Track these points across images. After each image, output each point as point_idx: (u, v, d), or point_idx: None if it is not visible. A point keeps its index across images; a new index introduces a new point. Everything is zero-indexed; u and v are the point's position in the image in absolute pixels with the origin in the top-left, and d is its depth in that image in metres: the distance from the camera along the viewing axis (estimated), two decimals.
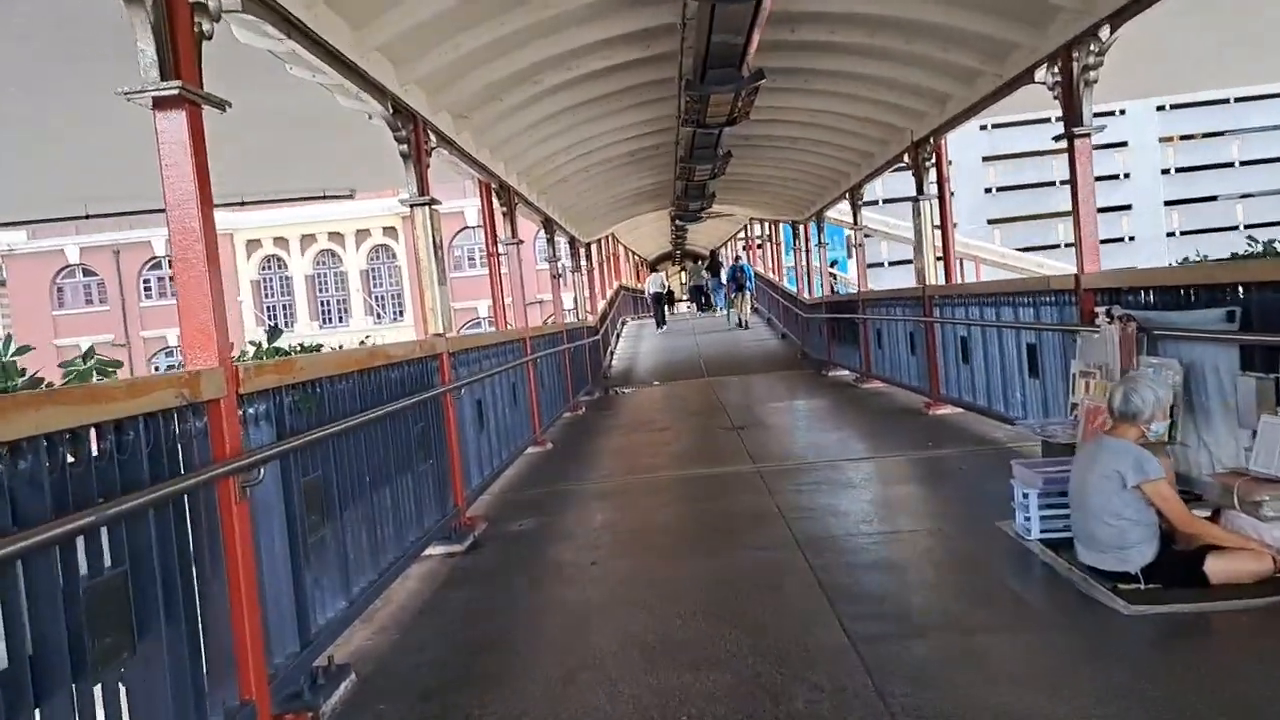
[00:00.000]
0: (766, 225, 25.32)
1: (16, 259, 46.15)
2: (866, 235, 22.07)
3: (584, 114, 9.29)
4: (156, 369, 46.50)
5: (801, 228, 18.71)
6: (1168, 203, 45.97)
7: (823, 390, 13.04)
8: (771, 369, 17.14)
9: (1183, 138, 46.82)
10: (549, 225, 12.82)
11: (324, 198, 15.93)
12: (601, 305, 21.36)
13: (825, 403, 11.62)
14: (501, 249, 9.63)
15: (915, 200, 9.70)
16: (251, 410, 3.43)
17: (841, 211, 18.23)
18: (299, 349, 4.72)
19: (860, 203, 12.85)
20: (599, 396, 15.23)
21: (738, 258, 30.76)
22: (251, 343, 4.55)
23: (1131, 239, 45.76)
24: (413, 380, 5.46)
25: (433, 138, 6.44)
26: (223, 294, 3.40)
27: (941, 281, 9.61)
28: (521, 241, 9.82)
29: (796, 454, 8.04)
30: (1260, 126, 45.36)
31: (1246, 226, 45.51)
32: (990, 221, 46.79)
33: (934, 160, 9.49)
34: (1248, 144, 45.62)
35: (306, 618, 3.63)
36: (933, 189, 9.59)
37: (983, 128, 45.25)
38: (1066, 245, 42.24)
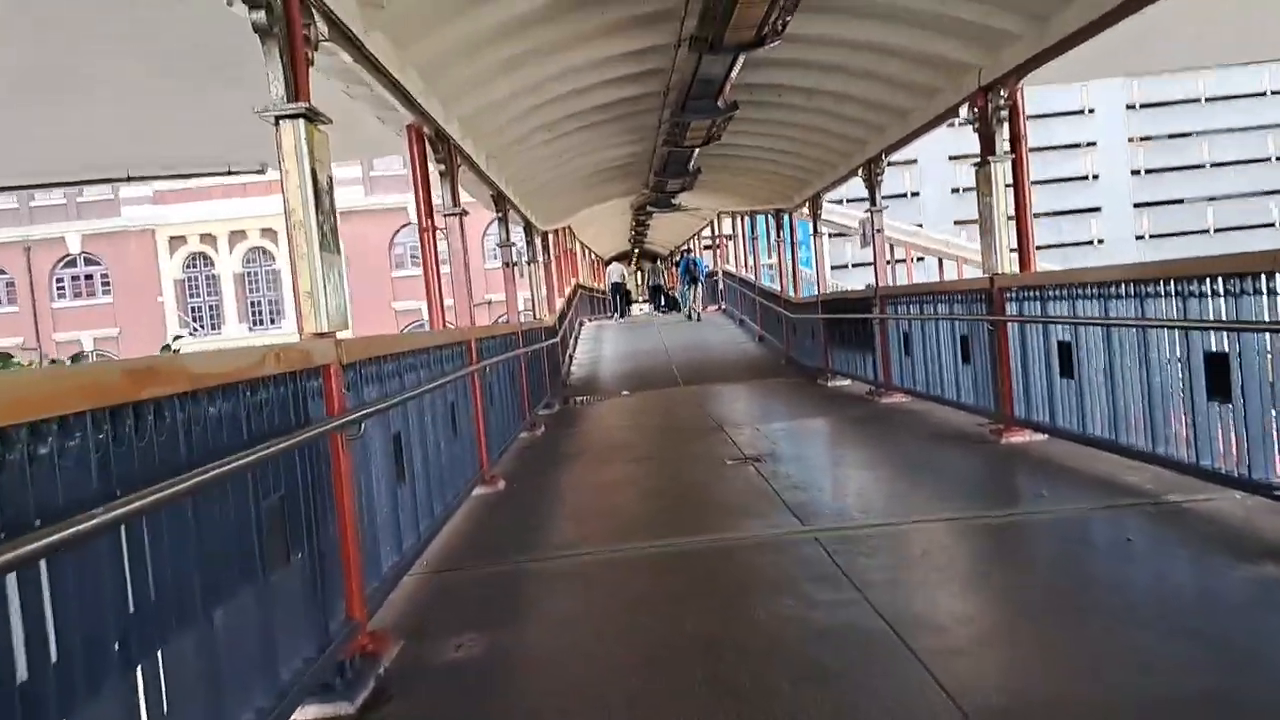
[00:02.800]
0: (740, 219, 23.10)
1: None
2: (838, 234, 19.88)
3: (555, 89, 7.54)
4: None
5: (788, 218, 16.51)
6: (1137, 205, 44.74)
7: (833, 405, 10.77)
8: (757, 376, 14.87)
9: (1143, 139, 45.64)
10: (500, 203, 10.42)
11: (229, 173, 13.32)
12: (561, 303, 18.95)
13: (846, 422, 9.34)
14: (440, 221, 7.24)
15: (982, 164, 7.47)
16: None
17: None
18: None
19: (880, 177, 10.62)
20: (560, 409, 12.83)
21: (687, 251, 29.64)
22: None
23: (1101, 242, 44.46)
24: (266, 414, 3.06)
25: (318, 21, 4.02)
26: None
27: (1014, 269, 7.39)
28: (465, 212, 7.42)
29: (856, 505, 5.71)
30: (1230, 128, 44.33)
31: (1217, 230, 44.51)
32: (957, 222, 45.19)
33: (1009, 112, 7.27)
34: (1217, 145, 44.56)
35: None
36: (1005, 148, 7.36)
37: (949, 124, 43.53)
38: (1038, 248, 40.90)
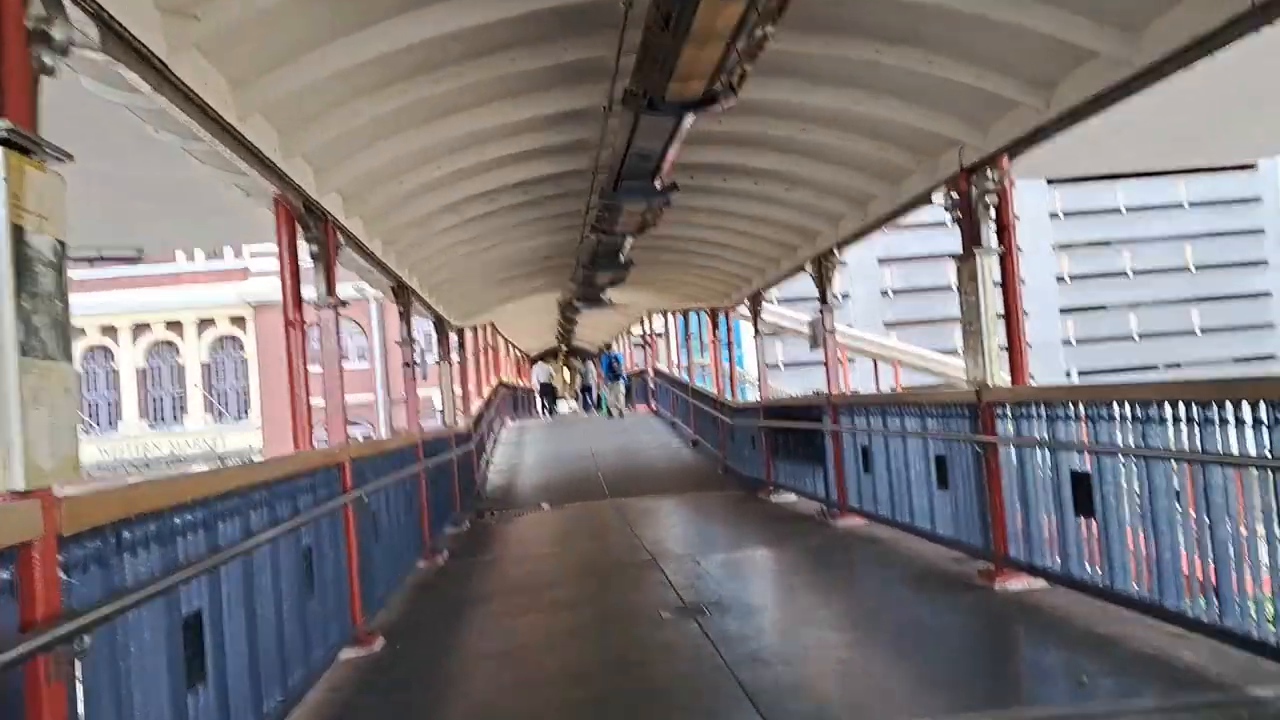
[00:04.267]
0: (675, 316, 22.02)
1: None
2: (771, 334, 18.88)
3: (458, 161, 6.41)
4: None
5: (724, 316, 15.42)
6: (1063, 310, 45.13)
7: (781, 529, 9.41)
8: (692, 488, 13.49)
9: (1064, 246, 46.38)
10: (402, 295, 9.04)
11: (100, 259, 11.78)
12: (477, 405, 17.45)
13: (800, 555, 7.99)
14: (311, 314, 5.82)
15: (965, 258, 6.35)
16: None
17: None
18: None
19: (832, 273, 9.52)
20: (471, 528, 11.26)
21: (608, 346, 29.11)
22: None
23: (1029, 345, 44.45)
24: None
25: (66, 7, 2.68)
26: None
27: (1005, 381, 6.21)
28: (343, 303, 6.01)
29: (839, 697, 4.29)
30: (1150, 237, 45.34)
31: (1141, 336, 45.13)
32: (887, 325, 45.06)
33: (996, 198, 6.18)
34: (1139, 254, 45.47)
35: None
36: (993, 241, 6.26)
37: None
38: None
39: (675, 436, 20.43)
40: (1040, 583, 5.81)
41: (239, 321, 41.38)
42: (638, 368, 31.07)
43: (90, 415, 41.56)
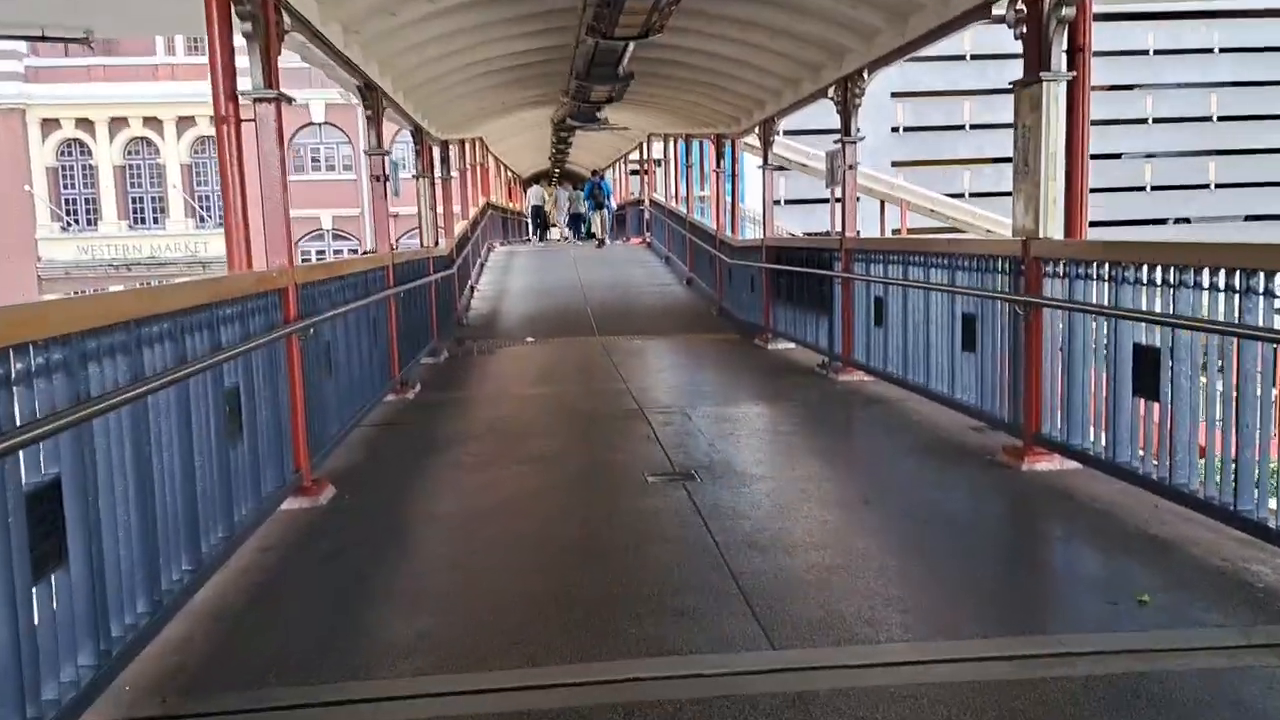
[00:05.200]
0: (675, 143, 20.75)
1: None
2: (780, 169, 17.86)
3: None
4: None
5: (730, 145, 14.28)
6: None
7: (779, 381, 8.74)
8: (685, 329, 12.78)
9: (1108, 87, 44.25)
10: (370, 97, 7.97)
11: (43, 38, 10.54)
12: (462, 227, 16.47)
13: (800, 411, 7.31)
14: (248, 110, 4.86)
15: (1028, 83, 5.36)
16: None
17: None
18: None
19: (858, 100, 8.45)
20: (447, 359, 10.58)
21: (597, 173, 27.54)
22: None
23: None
24: None
25: None
26: None
27: (1057, 233, 5.33)
28: (288, 99, 5.01)
29: (853, 598, 3.62)
30: (1175, 83, 43.23)
31: (1154, 188, 43.74)
32: (894, 164, 43.49)
33: (1076, 10, 5.14)
34: (1164, 100, 43.45)
35: None
36: (1063, 65, 5.24)
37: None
38: (972, 195, 39.38)
39: (670, 272, 19.57)
40: (1074, 465, 5.15)
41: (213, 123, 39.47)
42: (633, 196, 29.84)
43: (68, 212, 40.28)
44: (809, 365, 9.27)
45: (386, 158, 8.23)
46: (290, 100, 5.08)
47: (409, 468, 5.80)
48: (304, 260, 38.08)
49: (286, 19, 5.19)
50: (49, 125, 39.33)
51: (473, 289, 16.82)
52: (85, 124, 39.36)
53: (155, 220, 40.01)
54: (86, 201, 40.21)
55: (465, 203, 18.60)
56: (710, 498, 4.83)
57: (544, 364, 10.51)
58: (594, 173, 27.95)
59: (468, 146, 18.57)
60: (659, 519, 4.53)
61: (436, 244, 12.55)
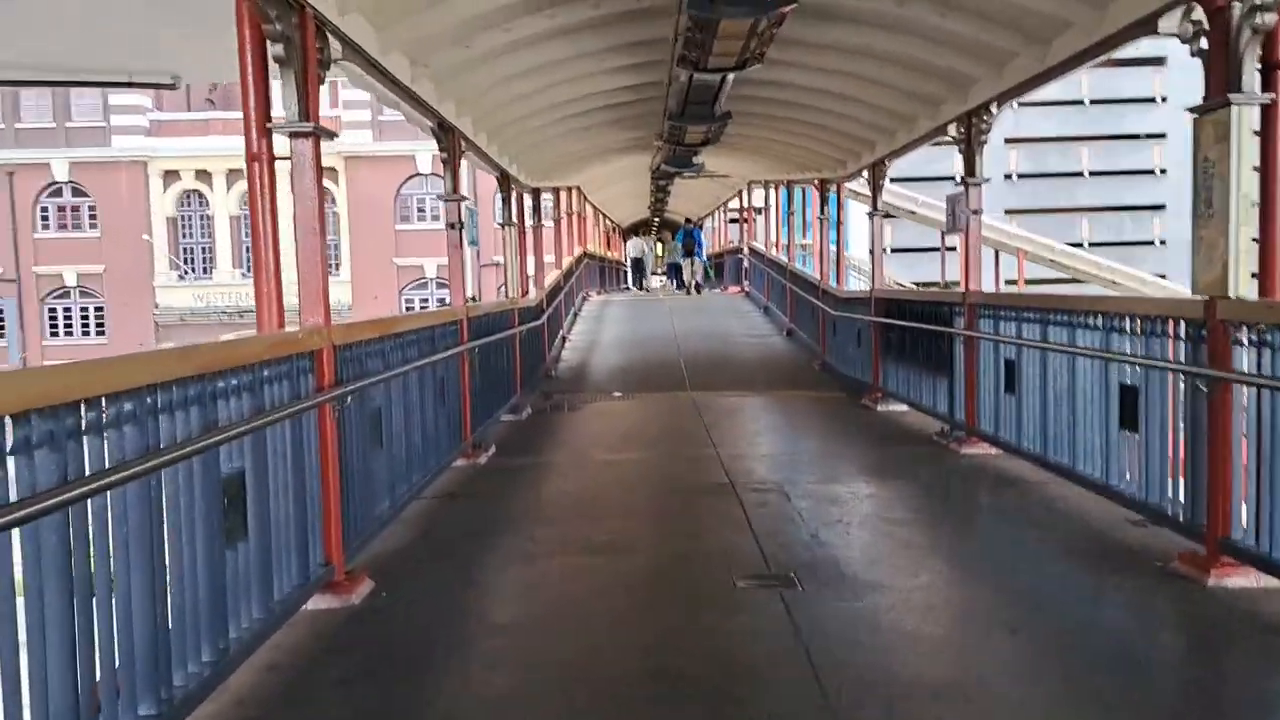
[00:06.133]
0: (775, 190, 19.96)
1: None
2: (888, 215, 16.85)
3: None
4: (52, 312, 40.48)
5: (834, 190, 13.41)
6: None
7: (890, 450, 7.76)
8: (784, 385, 11.85)
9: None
10: (448, 139, 7.37)
11: (130, 85, 10.39)
12: (554, 276, 15.94)
13: (918, 493, 6.33)
14: (283, 145, 4.25)
15: (1211, 108, 4.38)
16: None
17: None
18: None
19: (984, 137, 7.52)
20: (530, 416, 9.88)
21: (688, 220, 27.90)
22: None
23: (1163, 243, 40.93)
24: None
25: None
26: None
27: (1244, 292, 4.31)
28: (330, 134, 4.39)
29: None
30: None
31: None
32: (1008, 211, 41.81)
33: (1273, 17, 4.16)
34: None
35: None
36: (1255, 83, 4.25)
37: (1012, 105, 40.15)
38: (1091, 245, 37.46)
39: (768, 323, 18.66)
40: (1275, 583, 4.07)
41: (330, 173, 40.54)
42: (732, 244, 29.10)
43: (185, 260, 41.58)
44: (925, 432, 8.26)
45: (463, 204, 7.62)
46: (331, 135, 4.46)
47: (463, 555, 5.03)
48: (407, 308, 38.48)
49: (334, 46, 4.58)
50: (170, 177, 40.78)
51: (564, 339, 16.21)
52: (204, 175, 40.69)
53: None
54: (203, 250, 41.46)
55: (559, 251, 18.12)
56: (814, 615, 3.92)
57: (630, 423, 9.73)
58: (687, 220, 27.64)
59: (563, 195, 18.12)
60: (749, 646, 3.65)
61: (525, 294, 11.99)
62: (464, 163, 8.01)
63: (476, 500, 6.36)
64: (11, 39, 7.88)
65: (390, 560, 4.87)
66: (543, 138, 10.08)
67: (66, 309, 40.79)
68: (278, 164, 4.23)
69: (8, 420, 2.21)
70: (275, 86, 4.26)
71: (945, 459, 7.33)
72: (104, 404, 2.62)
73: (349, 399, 4.46)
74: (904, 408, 9.43)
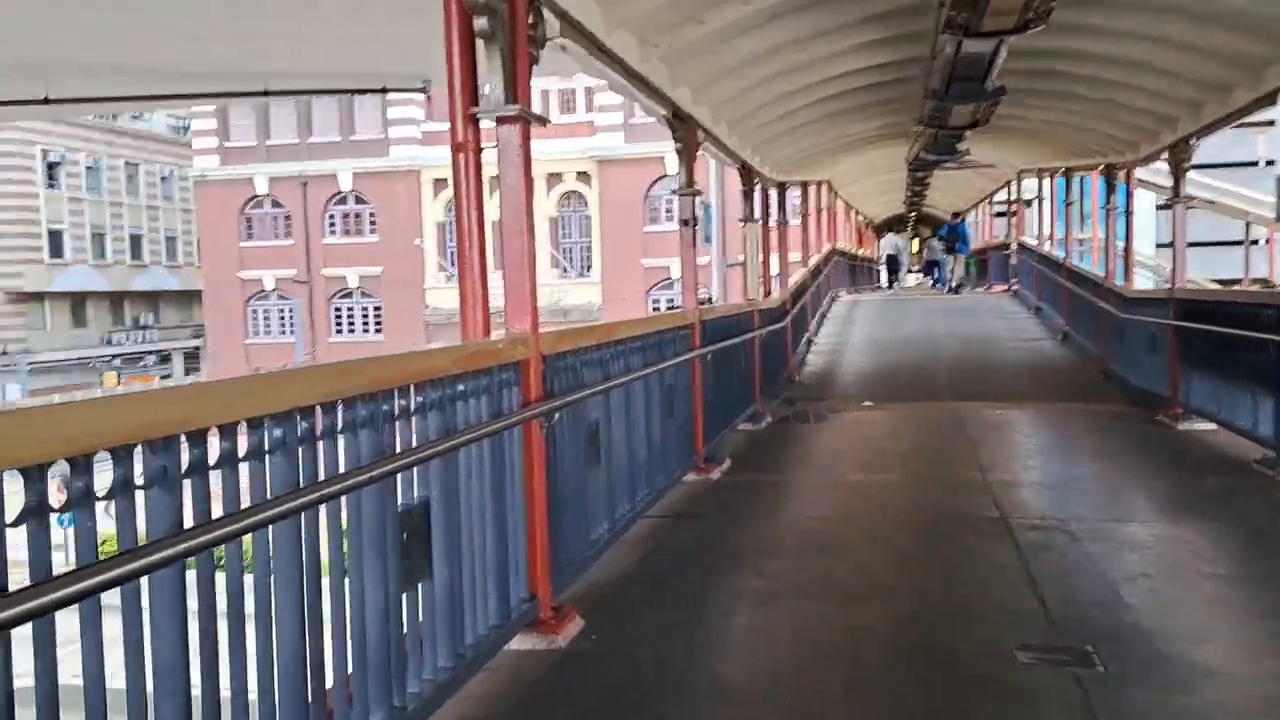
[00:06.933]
0: (1049, 178, 18.16)
1: (209, 186, 44.61)
2: (1189, 205, 14.68)
3: None
4: (337, 311, 44.01)
5: (1121, 178, 11.82)
6: None
7: (1199, 482, 6.50)
8: (1058, 397, 10.52)
9: None
10: (682, 128, 6.84)
11: (384, 90, 10.67)
12: (801, 275, 15.15)
13: (1234, 537, 5.11)
14: (488, 132, 3.84)
15: None
16: None
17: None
18: None
19: None
20: (769, 425, 9.22)
21: (957, 214, 26.09)
22: None
23: None
24: None
25: None
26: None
27: None
28: (542, 120, 3.92)
29: None
30: None
31: None
32: None
33: None
34: None
35: None
36: None
37: None
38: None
39: (1040, 325, 16.94)
40: None
41: (584, 177, 41.69)
42: (996, 239, 27.02)
43: (453, 263, 44.02)
44: (1241, 459, 6.87)
45: (697, 199, 7.07)
46: (544, 121, 3.99)
47: (685, 590, 4.46)
48: (654, 309, 38.77)
49: (550, 21, 4.12)
50: (439, 184, 43.23)
51: (809, 342, 15.38)
52: None
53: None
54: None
55: (806, 249, 17.29)
56: (1125, 712, 3.02)
57: (880, 437, 8.84)
58: (954, 215, 25.96)
59: (811, 190, 17.28)
60: None
61: (768, 294, 11.33)
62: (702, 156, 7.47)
63: (705, 522, 5.77)
64: (269, 53, 8.12)
65: (605, 592, 4.37)
66: (788, 127, 9.35)
67: (349, 309, 44.16)
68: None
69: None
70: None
71: (1272, 494, 6.00)
72: (248, 427, 2.22)
73: (558, 414, 3.99)
74: (1211, 426, 7.98)
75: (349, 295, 43.89)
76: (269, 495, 2.29)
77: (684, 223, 7.00)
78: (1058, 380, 11.71)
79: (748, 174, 9.87)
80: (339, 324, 44.14)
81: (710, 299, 15.31)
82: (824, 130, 10.41)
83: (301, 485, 2.40)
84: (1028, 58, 7.42)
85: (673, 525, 5.64)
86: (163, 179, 53.61)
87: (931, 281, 27.35)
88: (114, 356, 47.71)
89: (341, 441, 2.63)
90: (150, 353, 50.35)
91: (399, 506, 2.86)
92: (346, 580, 2.67)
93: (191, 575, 2.04)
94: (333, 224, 44.14)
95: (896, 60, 7.73)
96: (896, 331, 16.65)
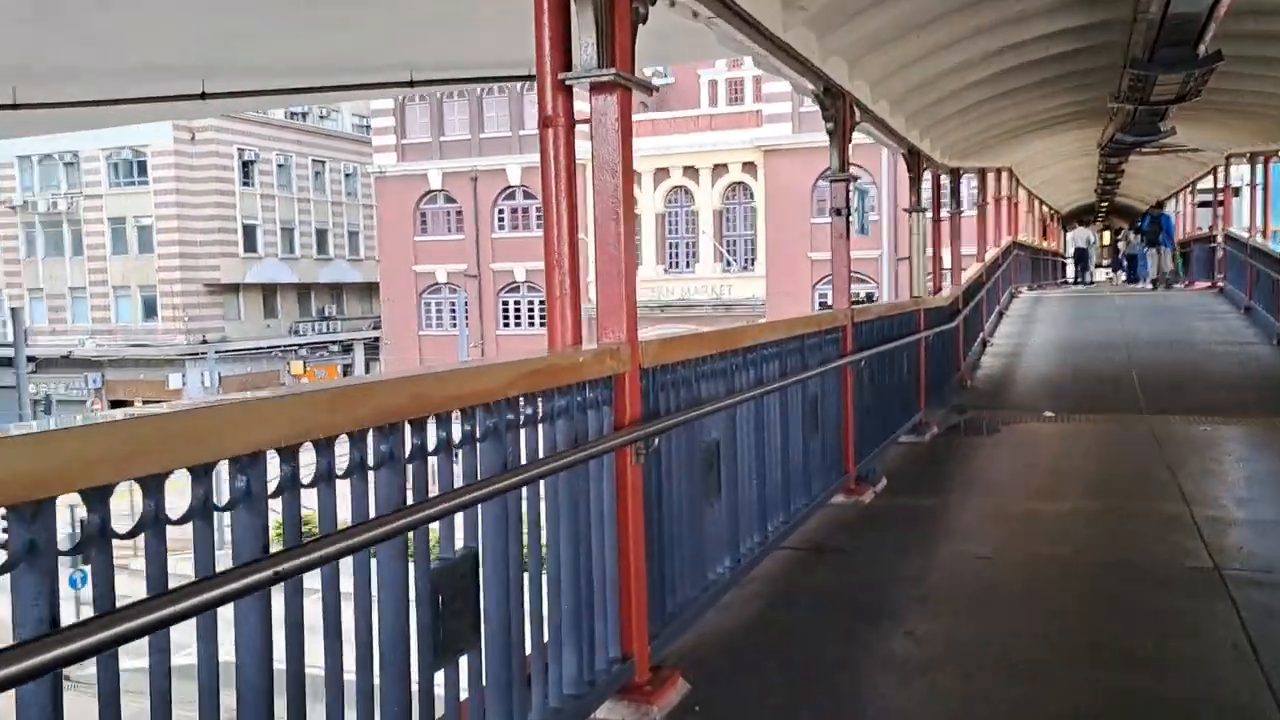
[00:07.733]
0: (1266, 164, 16.15)
1: (387, 182, 46.27)
2: None
3: None
4: (504, 305, 44.80)
5: None
6: None
7: None
8: (1276, 411, 9.08)
9: None
10: (834, 104, 6.06)
11: (490, 79, 10.32)
12: (975, 270, 13.94)
13: None
14: (582, 100, 3.26)
15: None
16: None
17: None
18: None
19: None
20: (934, 437, 8.32)
21: (1159, 204, 24.41)
22: None
23: None
24: None
25: None
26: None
27: None
28: (649, 87, 3.29)
29: None
30: None
31: None
32: None
33: None
34: None
35: None
36: None
37: None
38: None
39: (1251, 327, 15.04)
40: None
41: (749, 167, 40.87)
42: (1199, 231, 24.55)
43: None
44: None
45: (851, 184, 6.27)
46: (649, 89, 3.38)
47: (814, 652, 3.74)
48: (821, 305, 37.54)
49: None
50: None
51: (985, 343, 14.15)
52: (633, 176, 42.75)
53: (687, 265, 42.10)
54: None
55: (983, 242, 15.99)
56: None
57: (1061, 457, 7.79)
58: (1158, 204, 23.86)
59: (990, 177, 15.96)
60: None
61: (937, 290, 10.35)
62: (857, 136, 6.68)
63: (849, 559, 5.01)
64: (414, 42, 7.82)
65: (719, 647, 3.72)
66: (959, 106, 8.38)
67: (516, 302, 44.85)
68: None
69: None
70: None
71: None
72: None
73: (658, 439, 3.35)
74: None
75: (515, 289, 44.57)
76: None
77: (836, 212, 6.22)
78: (1275, 393, 10.18)
79: (915, 159, 8.94)
80: (506, 317, 44.93)
81: (871, 297, 14.32)
82: (1004, 110, 9.33)
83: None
84: (1251, 17, 6.29)
85: (812, 561, 4.91)
86: (346, 176, 55.97)
87: (1125, 277, 25.20)
88: (299, 346, 50.17)
89: (373, 479, 2.09)
90: (333, 343, 52.77)
91: (430, 564, 2.30)
92: (376, 659, 2.14)
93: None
94: (501, 218, 44.91)
95: (1089, 24, 6.68)
96: (1082, 332, 15.15)
